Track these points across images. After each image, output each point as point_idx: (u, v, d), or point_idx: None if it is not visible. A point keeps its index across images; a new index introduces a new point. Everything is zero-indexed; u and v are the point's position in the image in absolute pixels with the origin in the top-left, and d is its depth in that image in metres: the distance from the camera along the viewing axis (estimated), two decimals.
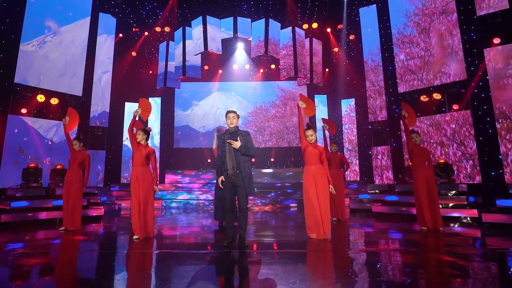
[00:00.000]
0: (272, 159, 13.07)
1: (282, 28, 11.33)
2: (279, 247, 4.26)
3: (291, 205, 10.05)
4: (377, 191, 8.91)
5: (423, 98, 8.73)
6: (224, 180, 4.09)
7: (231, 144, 4.02)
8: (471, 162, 7.52)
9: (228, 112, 4.22)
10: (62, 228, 5.67)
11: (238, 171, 4.04)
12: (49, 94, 9.33)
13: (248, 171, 4.12)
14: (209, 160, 13.23)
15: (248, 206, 4.21)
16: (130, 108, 12.40)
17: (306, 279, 2.84)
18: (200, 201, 10.35)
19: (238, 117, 4.24)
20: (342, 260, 3.60)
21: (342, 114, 12.17)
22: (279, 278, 2.88)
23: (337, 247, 4.28)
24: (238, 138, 4.09)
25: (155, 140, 12.82)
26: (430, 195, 5.33)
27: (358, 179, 11.16)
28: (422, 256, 3.79)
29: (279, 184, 10.95)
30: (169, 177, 11.65)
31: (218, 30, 10.82)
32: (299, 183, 10.70)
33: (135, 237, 4.67)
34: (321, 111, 13.15)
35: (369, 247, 4.26)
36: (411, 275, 2.99)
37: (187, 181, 11.59)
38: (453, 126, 7.96)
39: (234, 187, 4.08)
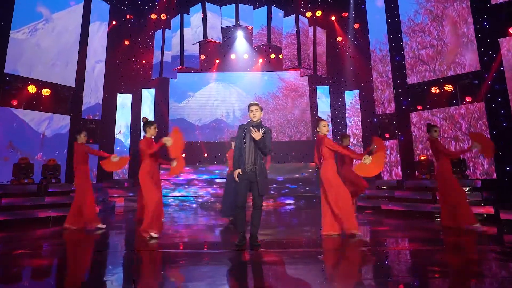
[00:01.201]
0: (272, 153, 12.75)
1: (285, 16, 10.87)
2: (293, 246, 4.04)
3: (293, 201, 9.72)
4: (384, 187, 8.62)
5: (434, 89, 8.38)
6: (240, 173, 3.84)
7: (253, 133, 3.72)
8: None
9: (250, 105, 3.96)
10: (66, 226, 5.40)
11: (255, 166, 3.83)
12: (40, 84, 8.85)
13: (264, 170, 3.92)
14: (205, 155, 12.85)
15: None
16: (123, 100, 11.90)
17: (333, 279, 2.76)
18: (199, 197, 10.01)
19: (261, 109, 3.97)
20: (362, 259, 3.50)
21: (346, 106, 11.79)
22: (305, 278, 2.79)
23: (353, 245, 4.13)
24: (260, 130, 3.82)
25: None
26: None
27: None
28: (445, 255, 3.66)
29: (281, 179, 10.63)
30: (163, 172, 11.24)
31: (218, 17, 10.33)
32: (301, 178, 10.42)
33: (154, 235, 4.38)
34: (324, 103, 12.79)
35: (385, 246, 4.09)
36: (430, 274, 2.90)
37: (183, 176, 11.19)
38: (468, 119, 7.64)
39: (250, 182, 3.86)
